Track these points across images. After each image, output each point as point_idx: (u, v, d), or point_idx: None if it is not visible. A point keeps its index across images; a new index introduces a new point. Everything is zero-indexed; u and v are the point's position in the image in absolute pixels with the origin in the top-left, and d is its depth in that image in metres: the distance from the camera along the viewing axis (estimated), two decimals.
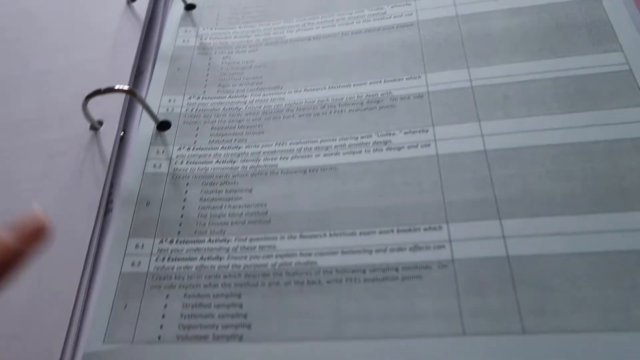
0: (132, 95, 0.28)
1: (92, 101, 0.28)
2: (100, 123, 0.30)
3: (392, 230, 0.24)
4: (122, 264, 0.26)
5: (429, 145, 0.27)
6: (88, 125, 0.30)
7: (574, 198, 0.24)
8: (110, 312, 0.24)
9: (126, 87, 0.28)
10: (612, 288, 0.21)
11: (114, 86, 0.28)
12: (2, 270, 0.18)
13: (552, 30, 0.30)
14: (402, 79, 0.30)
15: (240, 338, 0.23)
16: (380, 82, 0.30)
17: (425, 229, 0.24)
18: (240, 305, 0.24)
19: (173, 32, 0.35)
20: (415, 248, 0.24)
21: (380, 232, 0.25)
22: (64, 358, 0.23)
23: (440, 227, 0.24)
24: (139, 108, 0.31)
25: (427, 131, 0.27)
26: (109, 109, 0.30)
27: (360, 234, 0.25)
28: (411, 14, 0.33)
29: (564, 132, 0.26)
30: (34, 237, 0.18)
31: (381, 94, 0.29)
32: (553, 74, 0.28)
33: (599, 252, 0.22)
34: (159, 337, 0.23)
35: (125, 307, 0.24)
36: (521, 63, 0.29)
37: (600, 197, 0.24)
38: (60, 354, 0.23)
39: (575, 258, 0.22)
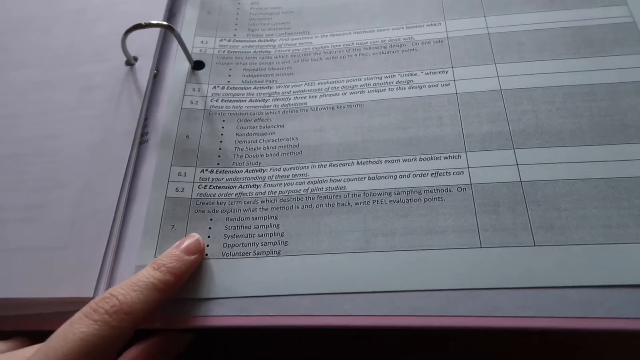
0: (171, 30, 0.30)
1: (128, 39, 0.30)
2: (136, 59, 0.32)
3: (415, 159, 0.27)
4: (166, 189, 0.28)
5: (448, 84, 0.29)
6: (123, 60, 0.32)
7: (580, 131, 0.26)
8: (159, 231, 0.27)
9: (165, 23, 0.30)
10: (612, 208, 0.24)
11: (153, 21, 0.30)
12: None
13: None
14: (423, 26, 0.32)
15: (278, 253, 0.25)
16: (402, 28, 0.32)
17: (445, 157, 0.27)
18: (277, 226, 0.26)
19: None
20: (437, 174, 0.26)
21: (404, 160, 0.27)
22: (104, 269, 0.25)
23: (459, 156, 0.27)
24: (173, 48, 0.33)
25: (446, 72, 0.30)
26: (144, 46, 0.32)
27: (385, 162, 0.27)
28: None
29: (571, 75, 0.28)
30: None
31: (403, 39, 0.31)
32: (563, 23, 0.30)
33: (601, 178, 0.25)
34: (206, 254, 0.26)
35: (173, 227, 0.27)
36: (534, 13, 0.31)
37: (603, 131, 0.26)
38: (100, 265, 0.25)
39: (580, 183, 0.25)
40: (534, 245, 0.24)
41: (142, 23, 0.29)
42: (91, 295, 0.25)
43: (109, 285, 0.25)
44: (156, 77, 0.32)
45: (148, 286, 0.23)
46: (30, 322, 0.26)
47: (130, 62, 0.32)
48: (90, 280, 0.25)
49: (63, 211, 0.27)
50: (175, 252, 0.25)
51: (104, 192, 0.27)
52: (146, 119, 0.30)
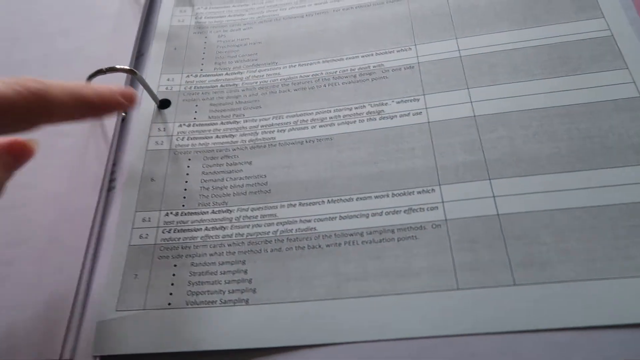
0: (133, 74, 0.29)
1: (94, 82, 0.29)
2: None
3: (387, 195, 0.26)
4: (130, 237, 0.27)
5: (420, 113, 0.28)
6: None
7: (559, 157, 0.25)
8: (121, 282, 0.25)
9: (127, 67, 0.29)
10: (595, 240, 0.23)
11: (115, 66, 0.29)
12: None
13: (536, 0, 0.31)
14: (393, 51, 0.31)
15: (247, 301, 0.24)
16: (372, 54, 0.31)
17: (418, 192, 0.25)
18: (245, 271, 0.25)
19: (168, 12, 0.35)
20: (410, 210, 0.25)
21: (376, 197, 0.26)
22: (71, 327, 0.24)
23: (432, 190, 0.25)
24: (140, 88, 0.32)
25: (418, 100, 0.28)
26: None
27: (357, 199, 0.26)
28: None
29: (548, 96, 0.27)
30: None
31: (373, 66, 0.30)
32: (536, 42, 0.29)
33: (583, 207, 0.24)
34: (169, 303, 0.25)
35: (136, 276, 0.25)
36: (506, 32, 0.30)
37: (584, 155, 0.25)
38: (67, 325, 0.24)
39: (560, 214, 0.24)
40: (514, 285, 0.22)
41: (104, 69, 0.29)
42: (57, 358, 0.23)
43: (76, 345, 0.24)
44: (124, 119, 0.31)
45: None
46: None
47: None
48: (57, 342, 0.24)
49: (29, 268, 0.26)
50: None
51: (70, 246, 0.26)
52: (114, 164, 0.29)
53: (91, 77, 0.29)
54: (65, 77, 0.32)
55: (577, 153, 0.25)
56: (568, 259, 0.22)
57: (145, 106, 0.31)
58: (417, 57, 0.30)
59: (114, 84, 0.31)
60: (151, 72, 0.33)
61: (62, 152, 0.30)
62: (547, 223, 0.23)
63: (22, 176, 0.29)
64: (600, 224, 0.23)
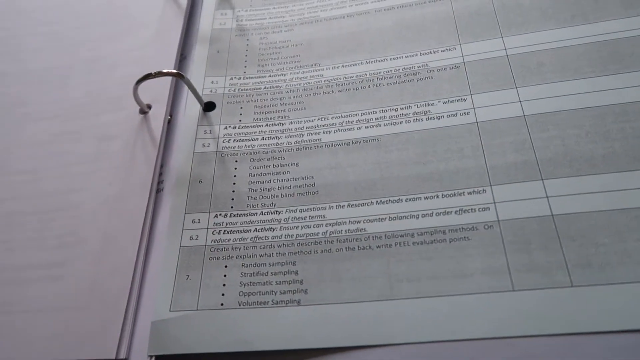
0: (180, 77, 0.30)
1: (141, 87, 0.30)
2: (149, 107, 0.31)
3: (437, 196, 0.26)
4: (181, 238, 0.27)
5: (468, 113, 0.28)
6: (137, 109, 0.31)
7: (614, 156, 0.25)
8: (174, 283, 0.26)
9: (174, 71, 0.29)
10: None
11: (163, 70, 0.29)
12: None
13: None
14: (438, 51, 0.31)
15: (298, 302, 0.24)
16: (416, 55, 0.31)
17: (469, 193, 0.25)
18: (296, 272, 0.25)
19: (210, 16, 0.36)
20: (461, 211, 0.25)
21: (426, 198, 0.26)
22: (126, 326, 0.25)
23: (484, 190, 0.25)
24: (184, 92, 0.32)
25: (465, 100, 0.28)
26: (157, 93, 0.31)
27: (407, 200, 0.26)
28: None
29: (599, 94, 0.27)
30: None
31: (418, 67, 0.30)
32: (586, 39, 0.29)
33: None
34: (222, 304, 0.25)
35: (188, 277, 0.26)
36: (554, 30, 0.30)
37: (639, 155, 0.24)
38: (122, 324, 0.25)
39: (618, 214, 0.23)
40: (572, 286, 0.22)
41: (152, 73, 0.29)
42: (113, 357, 0.24)
43: (130, 345, 0.25)
44: (170, 122, 0.32)
45: None
46: None
47: (144, 110, 0.31)
48: (112, 342, 0.24)
49: (83, 269, 0.27)
50: None
51: (123, 247, 0.27)
52: (162, 166, 0.30)
53: (140, 81, 0.29)
54: (111, 81, 0.33)
55: (633, 152, 0.25)
56: (628, 260, 0.22)
57: (190, 109, 0.32)
58: (463, 56, 0.30)
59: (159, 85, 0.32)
60: (195, 75, 0.33)
61: (111, 156, 0.30)
62: (604, 224, 0.23)
63: (73, 179, 0.30)
64: None
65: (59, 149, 0.32)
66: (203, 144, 0.30)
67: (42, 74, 0.36)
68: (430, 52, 0.31)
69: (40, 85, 0.35)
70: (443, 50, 0.30)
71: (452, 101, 0.28)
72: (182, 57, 0.34)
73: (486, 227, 0.24)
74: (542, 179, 0.25)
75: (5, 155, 0.32)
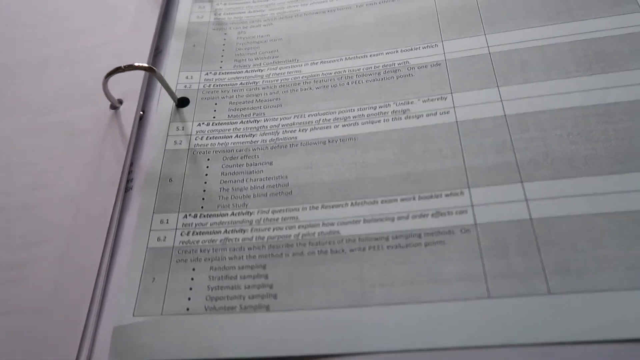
0: (152, 72, 0.28)
1: (113, 81, 0.29)
2: (121, 102, 0.30)
3: (414, 198, 0.25)
4: (148, 239, 0.26)
5: (447, 112, 0.27)
6: (108, 104, 0.30)
7: (596, 159, 0.24)
8: (139, 286, 0.25)
9: (145, 65, 0.28)
10: (637, 246, 0.21)
11: (134, 63, 0.28)
12: None
13: None
14: (419, 48, 0.30)
15: (267, 308, 0.23)
16: (397, 51, 0.30)
17: (446, 195, 0.24)
18: (266, 276, 0.24)
19: (187, 8, 0.35)
20: (438, 214, 0.24)
21: (402, 200, 0.25)
22: (87, 331, 0.24)
23: (462, 193, 0.24)
24: (158, 86, 0.31)
25: (445, 98, 0.27)
26: (129, 88, 0.30)
27: (382, 202, 0.25)
28: None
29: (583, 94, 0.26)
30: None
31: (398, 64, 0.29)
32: (571, 37, 0.28)
33: (623, 211, 0.22)
34: (188, 309, 0.24)
35: (153, 280, 0.25)
36: (539, 28, 0.29)
37: (622, 157, 0.24)
38: (83, 329, 0.24)
39: (599, 218, 0.22)
40: (549, 294, 0.21)
41: (122, 66, 0.28)
42: None
43: (91, 351, 0.24)
44: (142, 118, 0.30)
45: None
46: None
47: (115, 105, 0.30)
48: (72, 348, 0.23)
49: (46, 270, 0.26)
50: None
51: (87, 248, 0.26)
52: (132, 164, 0.29)
53: (109, 74, 0.28)
54: (84, 74, 0.32)
55: (616, 154, 0.24)
56: (608, 267, 0.21)
57: (163, 104, 0.31)
58: (444, 53, 0.29)
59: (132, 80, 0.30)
60: (169, 69, 0.32)
61: (80, 152, 0.29)
62: (585, 228, 0.22)
63: (41, 176, 0.29)
64: None
65: (29, 144, 0.31)
66: (175, 141, 0.29)
67: (16, 68, 0.34)
68: (411, 49, 0.30)
69: (14, 79, 0.34)
70: (424, 47, 0.29)
71: (432, 100, 0.27)
72: (157, 50, 0.33)
73: (463, 230, 0.23)
74: (522, 182, 0.24)
75: None
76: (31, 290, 0.25)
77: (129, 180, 0.28)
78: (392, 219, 0.24)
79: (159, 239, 0.26)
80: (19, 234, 0.27)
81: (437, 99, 0.27)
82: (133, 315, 0.24)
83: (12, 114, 0.32)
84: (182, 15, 0.34)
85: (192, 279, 0.25)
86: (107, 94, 0.29)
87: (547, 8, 0.29)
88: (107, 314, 0.25)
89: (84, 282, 0.25)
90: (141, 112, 0.30)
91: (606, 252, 0.22)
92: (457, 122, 0.26)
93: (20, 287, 0.26)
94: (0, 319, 0.25)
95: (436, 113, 0.27)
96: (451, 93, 0.27)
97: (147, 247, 0.26)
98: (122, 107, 0.30)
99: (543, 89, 0.26)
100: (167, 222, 0.26)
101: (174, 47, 0.33)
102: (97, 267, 0.25)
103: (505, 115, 0.26)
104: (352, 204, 0.25)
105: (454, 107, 0.27)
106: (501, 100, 0.26)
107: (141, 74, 0.31)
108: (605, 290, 0.21)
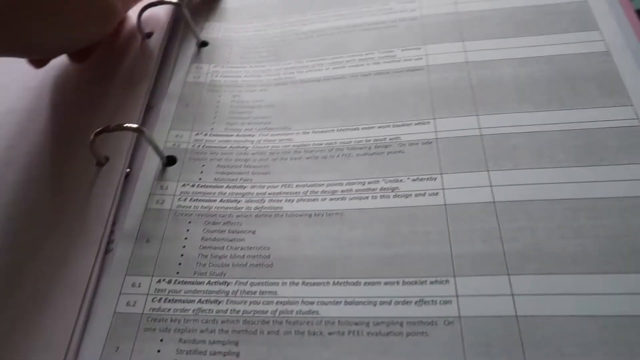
0: (140, 133, 0.28)
1: (101, 137, 0.28)
2: (107, 159, 0.29)
3: (398, 282, 0.24)
4: (116, 303, 0.25)
5: (436, 193, 0.26)
6: (94, 161, 0.29)
7: (585, 256, 0.23)
8: (101, 356, 0.23)
9: (134, 126, 0.28)
10: (625, 356, 0.21)
11: (123, 124, 0.28)
12: None
13: (561, 82, 0.30)
14: (411, 124, 0.30)
15: None
16: (389, 126, 0.30)
17: (431, 282, 0.23)
18: (237, 354, 0.23)
19: (184, 68, 0.35)
20: (421, 302, 0.23)
21: (386, 283, 0.24)
22: None
23: (447, 281, 0.23)
24: (145, 144, 0.31)
25: (435, 179, 0.27)
26: (116, 145, 0.30)
27: (365, 283, 0.24)
28: (421, 59, 0.33)
29: (573, 186, 0.26)
30: None
31: (389, 139, 0.29)
32: (562, 125, 0.28)
33: (610, 315, 0.21)
34: None
35: (117, 349, 0.23)
36: (530, 113, 0.29)
37: (611, 257, 0.23)
38: None
39: (586, 321, 0.21)
40: None
41: (110, 126, 0.28)
42: None
43: None
44: (128, 176, 0.30)
45: None
46: None
47: (101, 162, 0.29)
48: None
49: (17, 337, 0.24)
50: None
51: (61, 313, 0.24)
52: (114, 223, 0.28)
53: (98, 133, 0.28)
54: (73, 129, 0.32)
55: (605, 253, 0.23)
56: None
57: (150, 162, 0.30)
58: (436, 132, 0.29)
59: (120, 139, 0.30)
60: (160, 126, 0.32)
61: (62, 209, 0.28)
62: (571, 331, 0.21)
63: (21, 234, 0.28)
64: (629, 337, 0.21)
65: (11, 200, 0.30)
66: (157, 200, 0.28)
67: (3, 117, 0.34)
68: (403, 125, 0.30)
69: (2, 129, 0.33)
70: (417, 124, 0.29)
71: (421, 179, 0.27)
72: (149, 106, 0.33)
73: (446, 322, 0.22)
74: (509, 274, 0.23)
75: None
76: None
77: (110, 242, 0.27)
78: (375, 303, 0.23)
79: (128, 304, 0.25)
80: None
81: (427, 179, 0.27)
82: None
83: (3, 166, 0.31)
84: (179, 74, 0.35)
85: (159, 350, 0.23)
86: (94, 151, 0.28)
87: (538, 94, 0.29)
88: None
89: (53, 351, 0.23)
90: (128, 170, 0.30)
91: (593, 359, 0.21)
92: (445, 205, 0.26)
93: None
94: None
95: (425, 194, 0.26)
96: (441, 174, 0.27)
97: (114, 312, 0.25)
98: (108, 165, 0.29)
99: (533, 177, 0.26)
100: (139, 286, 0.25)
101: (167, 105, 0.33)
102: (70, 334, 0.24)
103: (494, 201, 0.26)
104: (333, 282, 0.24)
105: (443, 188, 0.26)
106: (491, 186, 0.26)
107: (128, 132, 0.30)
108: None
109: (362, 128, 0.30)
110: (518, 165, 0.27)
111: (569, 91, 0.29)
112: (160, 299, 0.25)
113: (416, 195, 0.27)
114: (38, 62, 0.33)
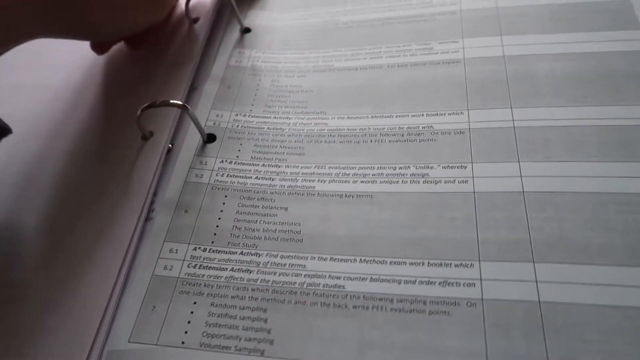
0: (184, 109, 0.30)
1: (147, 114, 0.30)
2: (152, 134, 0.31)
3: (423, 263, 0.24)
4: (155, 266, 0.26)
5: (466, 181, 0.27)
6: (140, 135, 0.31)
7: (612, 248, 0.23)
8: (139, 313, 0.25)
9: (179, 102, 0.29)
10: None
11: (169, 100, 0.29)
12: None
13: (599, 78, 0.30)
14: (445, 114, 0.30)
15: (262, 353, 0.23)
16: (422, 115, 0.30)
17: (456, 265, 0.24)
18: (265, 320, 0.24)
19: (227, 53, 0.36)
20: (445, 283, 0.24)
21: (411, 263, 0.25)
22: (92, 354, 0.24)
23: (471, 265, 0.24)
24: (189, 120, 0.32)
25: (465, 167, 0.27)
26: (161, 121, 0.31)
27: (391, 262, 0.25)
28: (458, 51, 0.33)
29: (604, 180, 0.26)
30: None
31: (422, 127, 0.30)
32: (596, 121, 0.28)
33: (635, 306, 0.22)
34: (183, 342, 0.24)
35: (154, 309, 0.25)
36: (565, 108, 0.29)
37: (639, 250, 0.23)
38: (89, 350, 0.24)
39: (609, 310, 0.22)
40: None
41: (157, 102, 0.29)
42: None
43: None
44: (170, 151, 0.31)
45: None
46: None
47: (146, 136, 0.31)
48: None
49: (62, 291, 0.26)
50: None
51: (103, 273, 0.26)
52: (155, 194, 0.29)
53: (145, 108, 0.29)
54: (121, 106, 0.34)
55: (633, 247, 0.23)
56: None
57: (191, 138, 0.32)
58: (469, 122, 0.29)
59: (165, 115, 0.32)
60: (202, 106, 0.33)
61: (108, 179, 0.30)
62: (594, 320, 0.22)
63: (71, 202, 0.30)
64: None
65: (63, 167, 0.32)
66: (196, 174, 0.30)
67: (57, 92, 0.36)
68: (437, 114, 0.30)
69: (54, 104, 0.36)
70: (450, 114, 0.30)
71: (452, 167, 0.28)
72: (193, 87, 0.34)
73: (469, 304, 0.23)
74: (534, 262, 0.24)
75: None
76: (45, 309, 0.26)
77: (151, 211, 0.29)
78: (399, 282, 0.24)
79: (165, 268, 0.26)
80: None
81: (457, 167, 0.28)
82: (129, 341, 0.24)
83: (50, 137, 0.33)
84: (222, 58, 0.36)
85: (192, 312, 0.25)
86: (140, 126, 0.30)
87: (574, 89, 0.29)
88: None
89: (95, 306, 0.25)
90: (170, 145, 0.31)
91: (615, 347, 0.21)
92: (474, 192, 0.26)
93: (32, 306, 0.26)
94: (4, 339, 0.25)
95: (454, 181, 0.27)
96: (472, 162, 0.28)
97: (152, 274, 0.26)
98: (152, 139, 0.31)
99: (564, 169, 0.26)
100: (176, 252, 0.27)
101: (210, 86, 0.34)
102: (109, 292, 0.25)
103: (523, 191, 0.26)
104: (360, 260, 0.25)
105: (473, 177, 0.27)
106: (521, 176, 0.27)
107: (174, 109, 0.32)
108: None
109: (396, 116, 0.31)
110: (549, 158, 0.27)
111: (606, 88, 0.29)
112: (196, 265, 0.26)
113: (445, 182, 0.27)
114: (101, 48, 0.35)
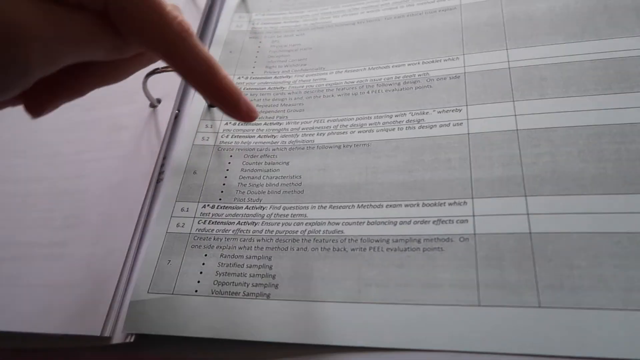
0: None
1: (154, 82, 0.31)
2: (159, 101, 0.33)
3: (418, 204, 0.25)
4: (168, 225, 0.28)
5: (461, 124, 0.27)
6: (148, 103, 0.33)
7: (604, 178, 0.24)
8: (156, 267, 0.27)
9: None
10: (636, 268, 0.21)
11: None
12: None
13: (598, 12, 0.29)
14: (440, 60, 0.30)
15: (268, 296, 0.25)
16: (419, 63, 0.31)
17: (450, 204, 0.25)
18: (270, 267, 0.26)
19: (228, 18, 0.37)
20: (439, 221, 0.24)
21: (406, 205, 0.25)
22: (113, 308, 0.26)
23: (465, 202, 0.25)
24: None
25: (460, 110, 0.28)
26: (167, 89, 0.33)
27: (387, 206, 0.26)
28: None
29: (599, 113, 0.26)
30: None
31: (418, 75, 0.30)
32: (594, 55, 0.28)
33: (624, 232, 0.22)
34: (196, 291, 0.26)
35: (169, 262, 0.27)
36: (562, 45, 0.29)
37: (632, 178, 0.23)
38: (110, 304, 0.26)
39: (599, 237, 0.22)
40: (539, 307, 0.21)
41: (159, 68, 0.30)
42: (98, 334, 0.25)
43: (115, 324, 0.26)
44: (177, 117, 0.33)
45: None
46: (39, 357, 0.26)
47: (154, 104, 0.33)
48: (99, 320, 0.26)
49: (82, 249, 0.28)
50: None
51: (120, 231, 0.28)
52: (165, 157, 0.31)
53: (148, 75, 0.31)
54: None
55: (625, 175, 0.23)
56: (602, 285, 0.21)
57: (196, 104, 0.33)
58: (464, 67, 0.29)
59: (170, 81, 0.33)
60: None
61: (120, 145, 0.32)
62: (583, 246, 0.22)
63: (84, 165, 0.32)
64: None
65: (75, 136, 0.34)
66: (203, 137, 0.31)
67: None
68: (433, 61, 0.30)
69: None
70: (446, 60, 0.30)
71: (447, 111, 0.28)
72: None
73: (461, 239, 0.24)
74: (525, 196, 0.24)
75: (30, 139, 0.34)
76: (67, 266, 0.28)
77: (161, 172, 0.31)
78: (395, 223, 0.25)
79: (178, 225, 0.28)
80: (61, 215, 0.30)
81: (452, 111, 0.28)
82: (148, 292, 0.26)
83: (63, 107, 0.35)
84: (223, 24, 0.37)
85: (203, 264, 0.26)
86: (147, 93, 0.32)
87: (572, 25, 0.29)
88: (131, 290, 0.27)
89: (114, 261, 0.27)
90: (177, 111, 0.33)
91: (602, 271, 0.21)
92: (468, 133, 0.27)
93: (58, 264, 0.28)
94: (38, 291, 0.27)
95: (449, 124, 0.27)
96: (466, 105, 0.28)
97: (166, 232, 0.28)
98: (160, 106, 0.33)
99: (559, 105, 0.26)
100: (187, 210, 0.29)
101: (212, 51, 0.35)
102: (126, 249, 0.28)
103: (517, 129, 0.26)
104: (358, 206, 0.26)
105: (467, 119, 0.27)
106: (515, 115, 0.27)
107: (179, 78, 0.33)
108: (597, 309, 0.21)
109: (393, 66, 0.31)
110: (544, 95, 0.27)
111: (605, 21, 0.29)
112: (205, 221, 0.28)
113: (440, 125, 0.28)
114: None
